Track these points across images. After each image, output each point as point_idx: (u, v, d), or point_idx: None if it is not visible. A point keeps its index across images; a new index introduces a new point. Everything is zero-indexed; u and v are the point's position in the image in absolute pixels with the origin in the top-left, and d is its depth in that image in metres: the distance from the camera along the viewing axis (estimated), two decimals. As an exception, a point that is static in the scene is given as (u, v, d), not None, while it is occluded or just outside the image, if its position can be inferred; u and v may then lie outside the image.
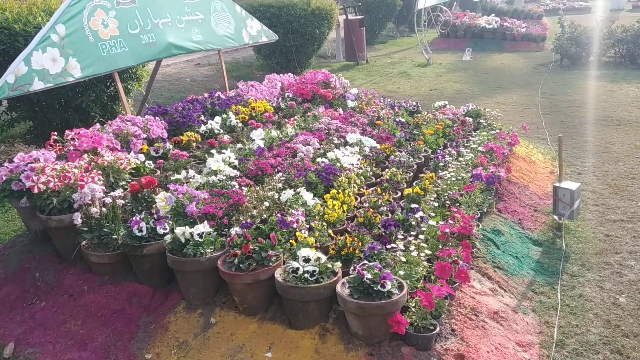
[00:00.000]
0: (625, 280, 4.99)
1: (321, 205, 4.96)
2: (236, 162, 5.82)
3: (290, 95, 8.40)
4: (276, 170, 5.73)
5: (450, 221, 4.97)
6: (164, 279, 4.46)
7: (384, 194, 5.30)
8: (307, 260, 3.91)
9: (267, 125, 6.98)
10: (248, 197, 4.97)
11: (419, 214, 4.82)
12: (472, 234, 4.78)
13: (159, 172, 5.63)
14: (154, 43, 7.07)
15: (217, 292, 4.31)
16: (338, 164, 5.92)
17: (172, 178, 5.25)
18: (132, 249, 4.33)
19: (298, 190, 5.12)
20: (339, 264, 3.99)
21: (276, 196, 5.02)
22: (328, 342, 3.80)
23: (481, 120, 8.24)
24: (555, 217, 5.97)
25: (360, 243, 4.28)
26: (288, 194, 4.98)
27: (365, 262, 3.87)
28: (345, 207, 4.94)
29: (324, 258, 3.94)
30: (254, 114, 7.32)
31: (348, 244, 4.19)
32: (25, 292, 4.73)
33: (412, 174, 6.10)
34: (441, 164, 6.33)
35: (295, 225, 4.47)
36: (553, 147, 8.77)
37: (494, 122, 8.25)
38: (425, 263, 4.14)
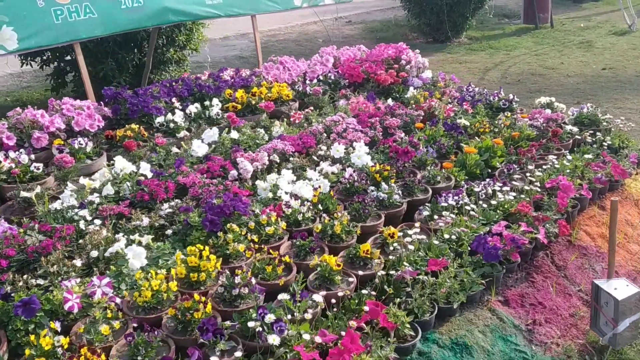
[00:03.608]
0: None
1: (161, 269, 3.34)
2: (149, 176, 4.38)
3: (332, 77, 6.54)
4: (188, 194, 4.17)
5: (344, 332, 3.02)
6: None
7: (279, 260, 3.45)
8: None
9: (236, 122, 5.33)
10: (83, 241, 3.56)
11: (269, 316, 2.93)
12: (351, 370, 2.78)
13: (49, 178, 4.45)
14: (141, 7, 5.78)
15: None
16: (270, 195, 4.15)
17: (23, 194, 4.02)
18: None
19: (146, 237, 3.54)
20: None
21: (122, 243, 3.51)
22: None
23: (587, 134, 5.53)
24: (597, 333, 3.49)
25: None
26: (119, 244, 3.44)
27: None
28: (193, 277, 3.25)
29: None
30: (253, 102, 5.71)
31: (76, 367, 2.58)
32: None
33: (382, 219, 4.05)
34: (424, 213, 4.15)
35: (70, 306, 2.96)
36: None
37: (608, 136, 5.51)
38: None
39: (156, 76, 7.47)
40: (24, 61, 7.60)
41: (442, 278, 3.49)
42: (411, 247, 3.63)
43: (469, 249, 3.79)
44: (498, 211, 4.23)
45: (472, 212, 4.07)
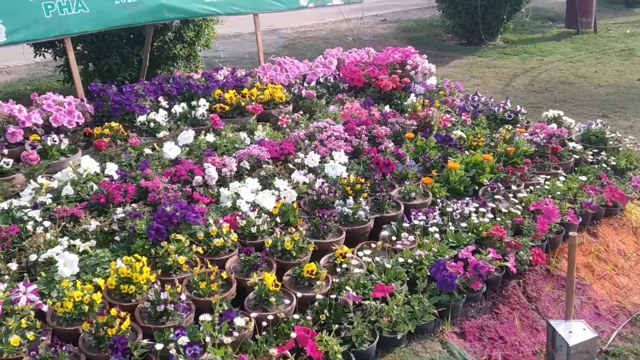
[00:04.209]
0: None
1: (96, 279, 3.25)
2: (115, 177, 4.31)
3: (332, 81, 6.34)
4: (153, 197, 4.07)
5: None
6: None
7: (215, 275, 3.31)
8: None
9: (218, 124, 5.19)
10: (26, 243, 3.50)
11: (183, 339, 2.78)
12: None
13: (18, 174, 4.43)
14: (135, 4, 5.70)
15: None
16: (229, 204, 4.01)
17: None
18: None
19: (87, 243, 3.46)
20: None
21: (59, 248, 3.43)
22: None
23: (588, 153, 5.17)
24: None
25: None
26: (54, 249, 3.36)
27: None
28: (124, 289, 3.13)
29: None
30: (243, 104, 5.57)
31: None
32: None
33: (342, 236, 3.85)
34: (384, 232, 3.91)
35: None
36: None
37: (614, 156, 5.13)
38: None
39: (163, 72, 7.43)
40: (37, 52, 7.67)
41: (390, 305, 3.28)
42: (357, 270, 3.42)
43: (429, 273, 3.56)
44: (470, 234, 3.97)
45: (435, 235, 3.81)
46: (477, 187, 4.68)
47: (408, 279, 3.53)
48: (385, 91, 6.25)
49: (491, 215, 4.12)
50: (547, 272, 4.00)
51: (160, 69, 7.46)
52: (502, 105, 5.99)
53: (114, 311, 2.88)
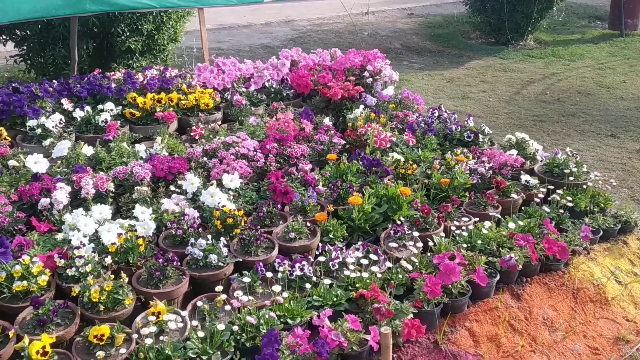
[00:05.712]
0: None
1: None
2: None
3: (275, 87, 5.65)
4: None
5: None
6: None
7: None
8: None
9: (110, 132, 4.60)
10: None
11: None
12: None
13: None
14: (50, -6, 5.19)
15: None
16: (59, 236, 3.43)
17: None
18: None
19: None
20: None
21: None
22: None
23: (536, 190, 4.29)
24: None
25: None
26: None
27: None
28: None
29: None
30: (158, 109, 4.98)
31: None
32: None
33: (183, 283, 3.19)
34: (233, 284, 3.20)
35: None
36: None
37: (569, 196, 4.23)
38: None
39: (119, 66, 6.93)
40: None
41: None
42: (149, 340, 2.76)
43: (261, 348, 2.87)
44: (343, 292, 3.24)
45: (283, 294, 3.10)
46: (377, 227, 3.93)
47: (232, 350, 2.85)
48: (335, 101, 5.51)
49: (376, 268, 3.37)
50: (434, 345, 3.22)
51: (117, 63, 6.96)
52: (459, 123, 5.14)
53: None
